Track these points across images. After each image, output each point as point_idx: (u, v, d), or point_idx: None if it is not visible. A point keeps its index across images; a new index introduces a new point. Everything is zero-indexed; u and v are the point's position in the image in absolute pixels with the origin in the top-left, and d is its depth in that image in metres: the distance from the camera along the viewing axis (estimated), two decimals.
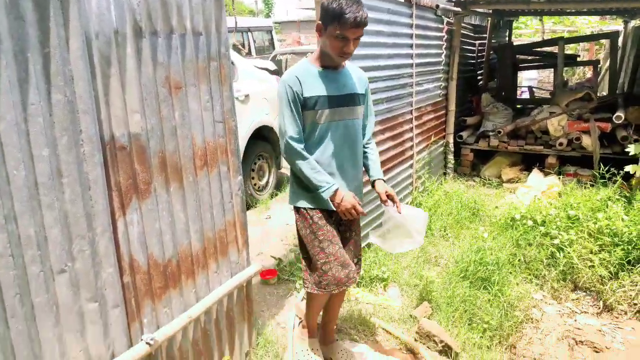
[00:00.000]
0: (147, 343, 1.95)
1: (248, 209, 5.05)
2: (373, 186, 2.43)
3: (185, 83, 2.07)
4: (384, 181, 2.43)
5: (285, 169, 6.48)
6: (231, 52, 5.12)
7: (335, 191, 2.18)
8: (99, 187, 1.73)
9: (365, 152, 2.45)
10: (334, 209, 2.25)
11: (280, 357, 2.68)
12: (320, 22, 2.11)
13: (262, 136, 5.21)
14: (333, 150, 2.25)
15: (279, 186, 5.68)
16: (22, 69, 1.49)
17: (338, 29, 2.02)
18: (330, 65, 2.23)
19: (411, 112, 4.73)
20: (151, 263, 2.00)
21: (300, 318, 3.12)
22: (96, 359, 1.79)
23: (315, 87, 2.18)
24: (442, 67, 5.52)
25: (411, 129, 4.76)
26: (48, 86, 1.57)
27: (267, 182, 5.45)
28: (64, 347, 1.68)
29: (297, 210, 2.37)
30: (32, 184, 1.53)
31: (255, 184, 5.22)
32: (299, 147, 2.17)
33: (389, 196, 2.36)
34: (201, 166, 2.19)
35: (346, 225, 2.43)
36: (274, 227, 4.69)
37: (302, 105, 2.17)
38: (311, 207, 2.29)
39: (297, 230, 2.40)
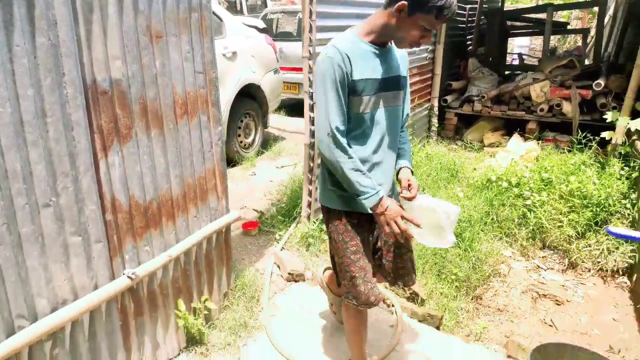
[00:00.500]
0: (129, 277, 2.10)
1: (234, 165, 5.18)
2: (397, 173, 2.07)
3: (166, 33, 2.14)
4: (412, 172, 2.07)
5: (272, 127, 6.58)
6: (219, 8, 5.13)
7: (380, 199, 1.83)
8: (81, 128, 1.83)
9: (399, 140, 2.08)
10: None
11: (256, 298, 2.86)
12: (406, 1, 1.70)
13: (250, 94, 5.27)
14: (375, 145, 1.93)
15: (265, 145, 5.79)
16: (7, 12, 1.57)
17: (432, 20, 1.71)
18: (381, 43, 1.89)
19: None
20: (132, 203, 2.13)
21: (278, 265, 3.30)
22: (80, 288, 1.94)
23: (365, 69, 1.83)
24: None
25: None
26: (32, 29, 1.65)
27: (254, 140, 5.55)
28: (49, 275, 1.82)
29: (328, 210, 2.05)
30: (17, 121, 1.63)
31: (241, 142, 5.32)
32: (345, 141, 1.83)
33: (410, 185, 1.97)
34: (181, 114, 2.29)
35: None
36: (258, 183, 4.83)
37: (350, 90, 1.82)
38: (347, 209, 1.99)
39: (328, 233, 2.09)
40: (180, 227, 2.40)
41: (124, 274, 2.10)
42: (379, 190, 1.84)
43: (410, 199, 1.94)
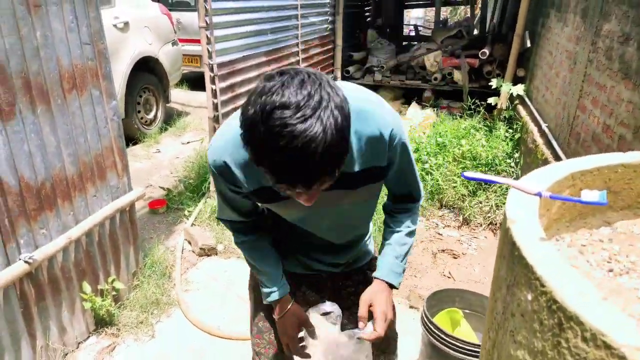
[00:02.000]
0: (26, 262, 1.99)
1: (136, 143, 4.97)
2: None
3: (46, 2, 2.00)
4: (391, 288, 1.31)
5: (175, 102, 6.36)
6: None
7: (277, 302, 1.32)
8: None
9: (388, 224, 1.38)
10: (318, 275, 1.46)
11: (167, 275, 2.83)
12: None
13: (148, 68, 5.05)
14: (305, 239, 1.35)
15: (168, 120, 5.60)
16: None
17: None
18: None
19: (297, 44, 4.84)
20: (23, 185, 2.00)
21: (189, 241, 3.27)
22: None
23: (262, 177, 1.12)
24: (328, 1, 5.63)
25: (298, 62, 4.90)
26: None
27: (155, 116, 5.35)
28: None
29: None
30: None
31: (142, 118, 5.11)
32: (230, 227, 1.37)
33: (372, 312, 1.27)
34: (69, 89, 2.17)
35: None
36: (163, 160, 4.69)
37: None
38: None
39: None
40: (79, 207, 2.30)
41: (20, 259, 1.99)
42: (275, 291, 1.31)
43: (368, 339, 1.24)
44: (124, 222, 2.61)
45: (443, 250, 4.16)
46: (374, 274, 1.33)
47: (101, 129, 2.38)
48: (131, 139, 4.84)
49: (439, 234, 4.32)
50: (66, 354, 2.25)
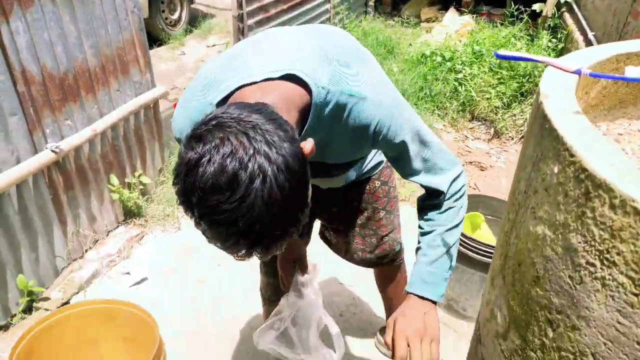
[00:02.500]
0: (53, 151, 2.04)
1: (161, 45, 4.88)
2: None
3: None
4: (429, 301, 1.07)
5: (200, 4, 6.15)
6: None
7: None
8: None
9: (419, 225, 1.15)
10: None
11: None
12: None
13: None
14: None
15: (192, 22, 5.44)
16: None
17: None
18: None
19: None
20: (46, 75, 1.99)
21: None
22: (1, 163, 1.87)
23: None
24: None
25: None
26: None
27: (180, 17, 5.19)
28: None
29: None
30: None
31: (166, 18, 4.97)
32: None
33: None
34: None
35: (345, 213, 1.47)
36: (188, 63, 4.62)
37: None
38: None
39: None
40: (103, 101, 2.29)
41: (46, 148, 2.03)
42: None
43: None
44: (148, 119, 2.61)
45: (470, 162, 4.09)
46: (406, 288, 1.09)
47: (122, 21, 2.31)
48: (155, 40, 4.75)
49: (467, 146, 4.22)
50: (97, 241, 2.36)
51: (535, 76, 4.38)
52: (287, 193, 0.69)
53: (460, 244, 1.91)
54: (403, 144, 0.99)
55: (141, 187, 2.56)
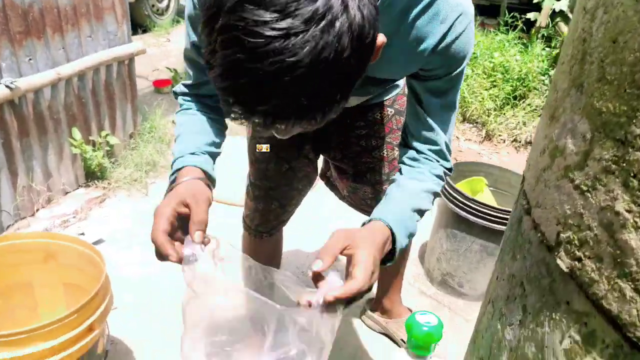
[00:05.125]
0: (7, 86, 1.80)
1: (145, 31, 4.70)
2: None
3: None
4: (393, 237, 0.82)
5: None
6: None
7: (176, 172, 0.89)
8: None
9: (399, 176, 0.94)
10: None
11: (166, 142, 2.64)
12: None
13: None
14: None
15: (181, 14, 5.28)
16: None
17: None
18: None
19: None
20: (7, 2, 1.78)
21: None
22: None
23: None
24: None
25: None
26: None
27: (168, 6, 5.03)
28: None
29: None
30: None
31: (153, 5, 4.80)
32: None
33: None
34: None
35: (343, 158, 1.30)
36: (172, 49, 4.44)
37: None
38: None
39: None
40: (71, 44, 2.08)
41: (1, 83, 1.80)
42: (179, 159, 0.89)
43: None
44: (121, 76, 2.39)
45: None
46: (372, 215, 0.84)
47: None
48: (140, 26, 4.57)
49: (458, 146, 4.07)
50: (51, 200, 2.10)
51: (529, 81, 4.29)
52: (344, 60, 0.52)
53: (460, 207, 1.71)
54: (458, 75, 0.83)
55: (107, 148, 2.32)
